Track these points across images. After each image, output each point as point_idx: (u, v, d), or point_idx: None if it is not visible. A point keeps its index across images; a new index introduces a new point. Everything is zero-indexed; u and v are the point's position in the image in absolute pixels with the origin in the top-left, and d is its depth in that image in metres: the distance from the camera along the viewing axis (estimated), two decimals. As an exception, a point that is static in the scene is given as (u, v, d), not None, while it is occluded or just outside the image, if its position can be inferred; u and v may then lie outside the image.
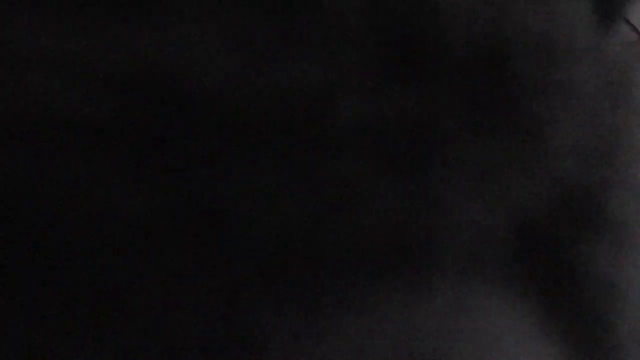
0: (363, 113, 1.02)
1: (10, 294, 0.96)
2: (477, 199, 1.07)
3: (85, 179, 0.96)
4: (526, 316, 1.14)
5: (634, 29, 1.31)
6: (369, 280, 1.04)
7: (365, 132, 1.03)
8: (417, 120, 1.04)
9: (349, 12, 1.00)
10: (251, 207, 0.99)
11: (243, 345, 1.00)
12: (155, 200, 0.98)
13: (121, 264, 0.96)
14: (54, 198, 0.97)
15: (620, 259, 1.23)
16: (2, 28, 0.96)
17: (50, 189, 0.97)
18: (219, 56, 0.97)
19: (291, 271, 0.99)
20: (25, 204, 0.97)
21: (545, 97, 1.15)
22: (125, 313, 0.99)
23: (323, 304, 1.02)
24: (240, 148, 1.00)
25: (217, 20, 0.99)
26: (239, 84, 0.97)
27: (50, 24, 0.97)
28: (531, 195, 1.11)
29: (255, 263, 0.99)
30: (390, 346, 1.07)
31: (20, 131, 0.96)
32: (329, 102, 1.00)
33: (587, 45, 1.16)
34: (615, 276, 1.18)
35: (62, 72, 0.96)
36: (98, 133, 0.97)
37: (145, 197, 0.97)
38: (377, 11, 1.03)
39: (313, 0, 0.96)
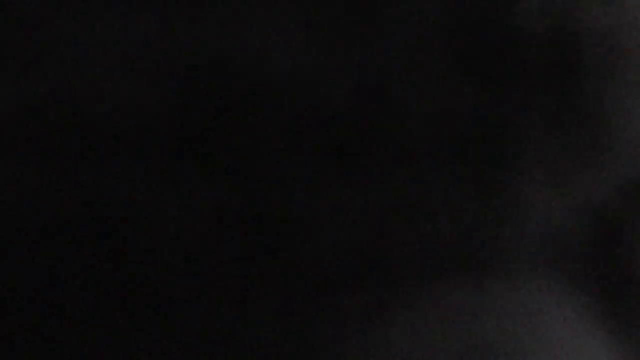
0: (435, 111, 0.98)
1: (62, 292, 0.94)
2: (550, 195, 1.03)
3: (149, 177, 0.93)
4: (592, 317, 1.12)
5: None
6: (437, 284, 1.00)
7: (436, 128, 0.98)
8: (487, 116, 1.01)
9: (425, 7, 0.96)
10: (318, 213, 0.95)
11: (297, 349, 0.97)
12: (218, 201, 0.94)
13: (185, 266, 0.93)
14: (119, 197, 0.94)
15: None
16: (67, 23, 0.93)
17: (114, 187, 0.94)
18: (291, 51, 0.93)
19: (358, 279, 0.96)
20: (89, 202, 0.93)
21: (615, 92, 1.11)
22: (184, 319, 0.96)
23: (391, 310, 0.98)
24: (309, 147, 0.96)
25: (290, 12, 0.94)
26: (312, 79, 0.93)
27: (117, 18, 0.93)
28: (603, 193, 1.07)
29: (321, 273, 0.95)
30: (445, 345, 1.04)
31: (86, 126, 0.93)
32: (403, 100, 0.96)
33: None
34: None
35: (131, 68, 0.92)
36: (165, 129, 0.93)
37: (208, 197, 0.93)
38: (452, 9, 0.98)
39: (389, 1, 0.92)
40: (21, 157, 0.93)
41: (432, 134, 1.00)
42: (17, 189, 0.95)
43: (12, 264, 0.93)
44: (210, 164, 0.99)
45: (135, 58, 0.99)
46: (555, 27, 1.05)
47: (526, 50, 1.04)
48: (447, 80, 0.99)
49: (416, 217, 0.99)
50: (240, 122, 0.99)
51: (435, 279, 1.01)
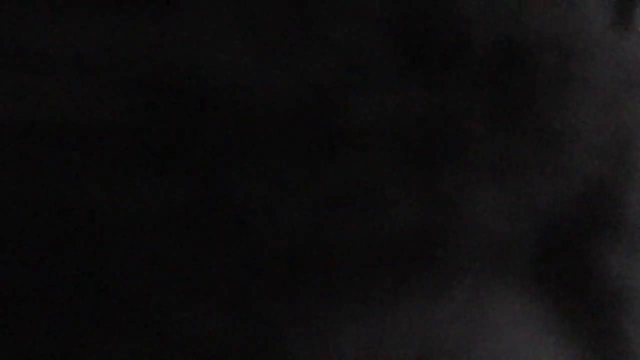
0: (380, 110, 1.00)
1: (29, 293, 0.94)
2: (499, 199, 1.04)
3: (107, 177, 0.94)
4: (542, 319, 1.13)
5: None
6: (384, 281, 1.01)
7: (383, 129, 1.00)
8: (435, 118, 1.02)
9: (370, 7, 0.97)
10: (268, 205, 0.96)
11: (258, 343, 0.98)
12: (175, 197, 0.95)
13: (143, 260, 0.94)
14: (76, 197, 0.95)
15: (631, 258, 1.22)
16: (27, 30, 0.94)
17: (73, 187, 0.95)
18: (235, 53, 0.95)
19: (307, 272, 0.97)
20: (48, 202, 0.94)
21: (565, 94, 1.13)
22: (143, 309, 0.97)
23: (337, 305, 0.99)
24: (257, 145, 0.97)
25: (233, 15, 0.96)
26: (256, 80, 0.95)
27: (74, 25, 0.94)
28: (553, 195, 1.09)
29: (272, 262, 0.97)
30: (406, 347, 1.05)
31: (46, 132, 0.94)
32: (346, 99, 0.97)
33: (605, 41, 1.15)
34: (632, 280, 1.16)
35: (85, 74, 0.93)
36: (119, 132, 0.94)
37: (166, 194, 0.95)
38: (397, 6, 1.00)
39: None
40: None
41: (378, 131, 1.01)
42: None
43: None
44: (166, 162, 1.01)
45: (89, 62, 1.00)
46: (504, 31, 1.06)
47: (474, 52, 1.05)
48: (393, 78, 1.01)
49: (362, 213, 1.00)
50: (192, 121, 1.00)
51: (382, 277, 1.03)
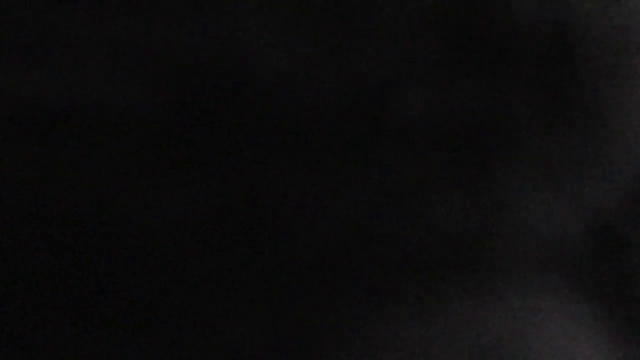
0: (427, 106, 0.97)
1: (50, 296, 0.92)
2: (550, 200, 1.01)
3: (141, 174, 0.92)
4: (592, 321, 1.10)
5: None
6: (431, 284, 0.99)
7: (429, 126, 0.97)
8: (483, 114, 0.99)
9: (414, 2, 0.95)
10: (309, 207, 0.94)
11: (298, 350, 0.96)
12: (209, 198, 0.93)
13: (174, 262, 0.92)
14: (107, 193, 0.93)
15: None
16: (64, 18, 0.93)
17: (105, 183, 0.93)
18: (276, 46, 0.93)
19: (350, 275, 0.95)
20: (78, 198, 0.93)
21: (617, 90, 1.10)
22: (172, 315, 0.95)
23: (385, 305, 0.97)
24: (297, 143, 0.95)
25: (274, 6, 0.94)
26: (296, 74, 0.93)
27: (111, 14, 0.93)
28: (604, 193, 1.06)
29: (310, 265, 0.94)
30: (452, 349, 1.03)
31: (78, 122, 0.92)
32: (394, 94, 0.95)
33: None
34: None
35: (123, 63, 0.91)
36: (157, 126, 0.92)
37: (200, 194, 0.93)
38: (442, 1, 0.98)
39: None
40: (16, 154, 0.93)
41: (425, 128, 0.98)
42: (14, 186, 0.94)
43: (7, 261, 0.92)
44: (201, 162, 0.98)
45: (122, 57, 0.98)
46: (554, 22, 1.03)
47: (523, 45, 1.03)
48: (440, 73, 0.98)
49: (409, 214, 0.97)
50: (232, 120, 0.98)
51: (428, 278, 1.00)
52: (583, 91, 1.08)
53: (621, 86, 1.10)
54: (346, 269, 0.99)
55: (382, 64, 0.96)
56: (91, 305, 1.00)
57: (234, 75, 0.99)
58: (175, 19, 0.99)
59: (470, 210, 0.99)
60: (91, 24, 0.98)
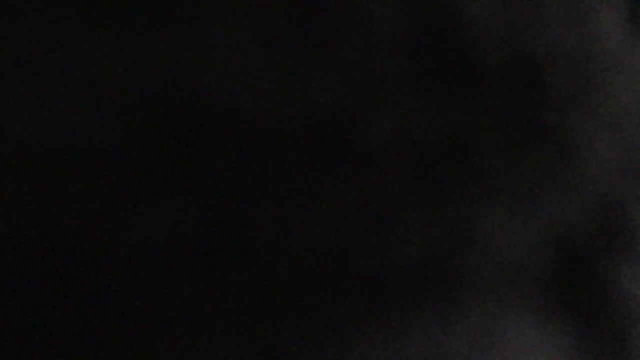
0: (394, 128, 0.99)
1: (35, 319, 0.94)
2: (513, 218, 1.03)
3: (112, 201, 0.93)
4: (557, 336, 1.11)
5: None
6: (397, 301, 1.00)
7: (396, 148, 0.99)
8: (449, 137, 1.01)
9: (381, 26, 0.97)
10: (279, 229, 0.95)
11: None
12: (184, 221, 0.95)
13: (146, 286, 0.93)
14: (80, 222, 0.94)
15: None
16: (32, 48, 0.94)
17: (76, 213, 0.94)
18: (247, 72, 0.94)
19: (320, 294, 0.96)
20: (50, 229, 0.94)
21: (580, 112, 1.11)
22: (149, 335, 0.96)
23: (351, 326, 0.98)
24: (268, 166, 0.96)
25: (244, 34, 0.95)
26: (269, 101, 0.94)
27: (82, 42, 0.94)
28: (567, 214, 1.07)
29: (282, 286, 0.96)
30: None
31: (46, 155, 0.93)
32: (360, 118, 0.97)
33: (619, 55, 1.14)
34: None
35: (90, 94, 0.93)
36: (125, 155, 0.93)
37: (173, 218, 0.94)
38: (409, 25, 0.99)
39: (344, 14, 0.93)
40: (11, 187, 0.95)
41: (393, 150, 1.00)
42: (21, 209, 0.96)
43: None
44: (175, 185, 1.00)
45: (103, 84, 1.00)
46: (520, 50, 1.05)
47: (491, 71, 1.05)
48: (407, 97, 1.00)
49: (375, 236, 0.99)
50: (202, 142, 1.00)
51: (396, 297, 1.01)
52: (548, 115, 1.10)
53: (585, 109, 1.11)
54: (315, 287, 1.00)
55: (350, 89, 0.98)
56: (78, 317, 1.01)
57: (204, 101, 1.01)
58: (144, 47, 1.01)
59: (436, 231, 1.01)
60: (61, 56, 1.00)
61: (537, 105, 1.10)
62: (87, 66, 1.00)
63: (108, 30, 0.97)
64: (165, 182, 1.01)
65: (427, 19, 1.02)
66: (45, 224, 1.01)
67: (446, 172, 1.04)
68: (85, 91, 0.99)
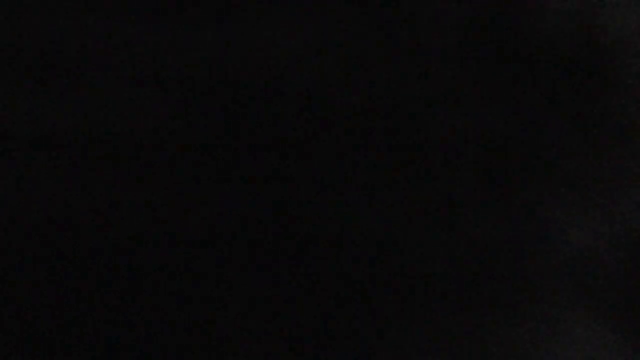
0: (460, 125, 0.97)
1: (42, 312, 0.93)
2: (581, 217, 1.01)
3: (157, 189, 0.92)
4: (621, 343, 1.08)
5: None
6: (464, 294, 0.99)
7: (464, 144, 0.97)
8: (520, 133, 0.99)
9: (449, 26, 0.95)
10: (340, 222, 0.94)
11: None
12: (240, 209, 0.93)
13: (193, 278, 0.93)
14: (134, 207, 0.93)
15: None
16: (68, 34, 0.93)
17: (128, 197, 0.94)
18: (306, 63, 0.93)
19: (386, 286, 0.95)
20: (92, 212, 0.93)
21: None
22: (191, 333, 0.95)
23: (414, 324, 0.97)
24: (335, 158, 0.95)
25: (303, 24, 0.94)
26: (335, 94, 0.93)
27: (121, 29, 0.93)
28: (634, 206, 1.04)
29: (344, 285, 0.94)
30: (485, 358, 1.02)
31: (89, 139, 0.93)
32: (432, 113, 0.95)
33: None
34: None
35: (135, 79, 0.92)
36: (170, 142, 0.92)
37: (225, 209, 0.93)
38: (476, 25, 0.97)
39: (412, 11, 0.92)
40: (37, 171, 0.94)
41: (463, 146, 0.99)
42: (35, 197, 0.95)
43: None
44: (230, 176, 0.99)
45: (144, 69, 0.99)
46: (587, 45, 1.03)
47: (558, 68, 1.03)
48: (476, 94, 0.98)
49: (443, 228, 0.98)
50: (261, 134, 0.99)
51: (460, 297, 1.00)
52: (614, 114, 1.09)
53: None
54: (380, 279, 0.99)
55: (420, 84, 0.97)
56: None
57: (268, 87, 1.00)
58: (189, 32, 1.00)
59: (505, 226, 0.99)
60: (93, 39, 0.99)
61: (603, 105, 1.09)
62: (145, 59, 1.00)
63: (168, 27, 0.97)
64: (219, 170, 1.01)
65: (490, 13, 1.01)
66: (82, 204, 1.01)
67: (515, 167, 1.02)
68: (142, 79, 0.98)
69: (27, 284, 0.92)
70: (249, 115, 0.89)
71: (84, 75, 0.89)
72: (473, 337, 0.96)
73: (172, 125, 0.89)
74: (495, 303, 0.98)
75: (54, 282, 0.94)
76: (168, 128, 0.89)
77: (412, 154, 0.87)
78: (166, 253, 0.93)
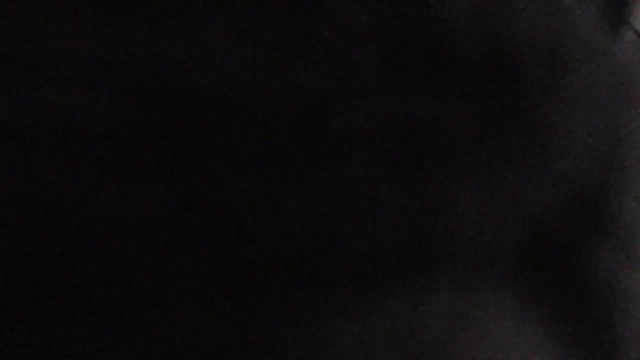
0: (366, 116, 1.03)
1: (19, 298, 0.98)
2: (485, 202, 1.07)
3: (94, 183, 0.98)
4: (531, 320, 1.14)
5: (636, 31, 1.31)
6: (371, 285, 1.04)
7: (368, 134, 1.03)
8: (421, 122, 1.05)
9: (354, 14, 1.01)
10: (255, 213, 1.00)
11: (252, 347, 1.01)
12: (163, 203, 0.99)
13: (130, 266, 0.98)
14: (66, 202, 0.99)
15: (624, 262, 1.22)
16: (15, 32, 0.98)
17: (62, 193, 0.99)
18: (225, 59, 0.99)
19: (295, 277, 1.00)
20: (35, 209, 0.99)
21: (553, 99, 1.14)
22: (132, 316, 1.00)
23: (327, 307, 1.03)
24: (245, 151, 1.01)
25: (225, 24, 1.00)
26: (244, 86, 0.99)
27: (63, 27, 0.99)
28: (540, 198, 1.11)
29: (261, 268, 1.00)
30: (392, 348, 1.08)
31: (31, 136, 0.98)
32: (332, 104, 1.01)
33: (593, 47, 1.16)
34: (620, 279, 1.17)
35: (74, 77, 0.98)
36: (107, 137, 0.98)
37: (153, 200, 0.99)
38: (381, 12, 1.03)
39: (318, 3, 0.98)
40: None
41: (362, 137, 1.05)
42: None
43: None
44: (153, 166, 1.04)
45: (85, 68, 1.04)
46: (490, 37, 1.08)
47: (460, 58, 1.08)
48: (377, 85, 1.04)
49: (347, 219, 1.03)
50: (180, 125, 1.04)
51: (369, 280, 1.06)
52: (520, 103, 1.13)
53: (557, 98, 1.14)
54: (288, 268, 1.04)
55: (319, 75, 1.02)
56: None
57: (179, 85, 1.05)
58: (121, 31, 1.05)
59: (410, 212, 1.04)
60: (40, 37, 1.04)
61: (508, 93, 1.13)
62: (83, 53, 1.05)
63: (108, 24, 1.02)
64: (144, 162, 1.05)
65: (399, 8, 1.06)
66: (32, 199, 1.04)
67: (417, 156, 1.07)
68: (81, 74, 1.03)
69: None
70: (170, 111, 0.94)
71: (21, 70, 0.93)
72: (380, 313, 1.02)
73: (97, 118, 0.93)
74: (400, 281, 1.04)
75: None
76: (94, 120, 0.93)
77: (314, 145, 0.92)
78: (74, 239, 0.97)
